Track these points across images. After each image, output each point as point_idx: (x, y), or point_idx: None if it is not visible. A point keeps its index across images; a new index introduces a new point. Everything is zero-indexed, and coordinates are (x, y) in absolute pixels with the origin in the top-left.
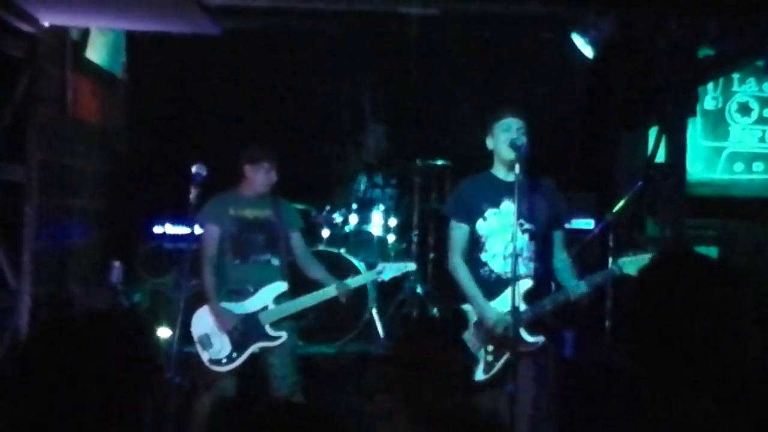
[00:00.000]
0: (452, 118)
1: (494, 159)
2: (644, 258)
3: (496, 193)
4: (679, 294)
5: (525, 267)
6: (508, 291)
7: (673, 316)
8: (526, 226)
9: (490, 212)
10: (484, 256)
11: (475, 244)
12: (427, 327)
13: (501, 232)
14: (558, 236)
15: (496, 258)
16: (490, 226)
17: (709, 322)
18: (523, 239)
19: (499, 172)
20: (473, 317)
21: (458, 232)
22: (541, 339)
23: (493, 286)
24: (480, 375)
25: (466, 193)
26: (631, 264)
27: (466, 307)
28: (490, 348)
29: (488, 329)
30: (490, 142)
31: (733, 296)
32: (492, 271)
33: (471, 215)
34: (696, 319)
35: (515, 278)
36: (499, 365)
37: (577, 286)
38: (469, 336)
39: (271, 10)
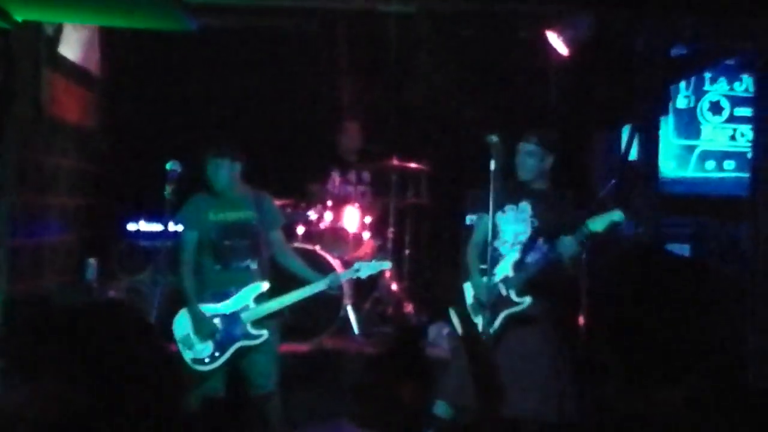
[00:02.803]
0: (429, 115)
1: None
2: (610, 215)
3: (518, 194)
4: (650, 287)
5: (519, 251)
6: (500, 264)
7: (644, 309)
8: (536, 223)
9: (508, 207)
10: (496, 243)
11: (492, 233)
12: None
13: (511, 224)
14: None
15: (506, 245)
16: (506, 219)
17: (679, 315)
18: (529, 233)
19: (521, 177)
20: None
21: (482, 222)
22: (527, 300)
23: (495, 263)
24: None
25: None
26: (599, 222)
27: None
28: (487, 312)
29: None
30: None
31: (702, 291)
32: (501, 255)
33: (494, 208)
34: (666, 313)
35: (490, 274)
36: (496, 324)
37: (561, 243)
38: (470, 307)
39: (249, 7)
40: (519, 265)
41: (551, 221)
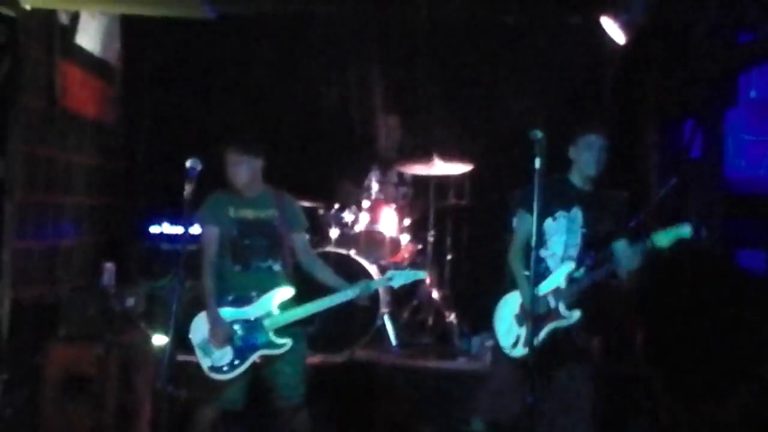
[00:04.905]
0: (472, 106)
1: (573, 166)
2: (678, 230)
3: (570, 198)
4: (691, 298)
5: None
6: (551, 277)
7: (694, 321)
8: (588, 233)
9: (560, 214)
10: (543, 253)
11: (539, 240)
12: None
13: (563, 234)
14: (619, 246)
15: (554, 258)
16: (557, 227)
17: (724, 324)
18: (581, 244)
19: (576, 179)
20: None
21: (525, 222)
22: (576, 314)
23: (543, 277)
24: (519, 350)
25: (539, 190)
26: (664, 236)
27: (515, 293)
28: (531, 323)
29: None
30: (572, 152)
31: (748, 295)
32: (548, 269)
33: (541, 211)
34: (710, 323)
35: (534, 283)
36: (540, 336)
37: (623, 255)
38: (512, 317)
39: None
40: (573, 277)
41: (604, 230)
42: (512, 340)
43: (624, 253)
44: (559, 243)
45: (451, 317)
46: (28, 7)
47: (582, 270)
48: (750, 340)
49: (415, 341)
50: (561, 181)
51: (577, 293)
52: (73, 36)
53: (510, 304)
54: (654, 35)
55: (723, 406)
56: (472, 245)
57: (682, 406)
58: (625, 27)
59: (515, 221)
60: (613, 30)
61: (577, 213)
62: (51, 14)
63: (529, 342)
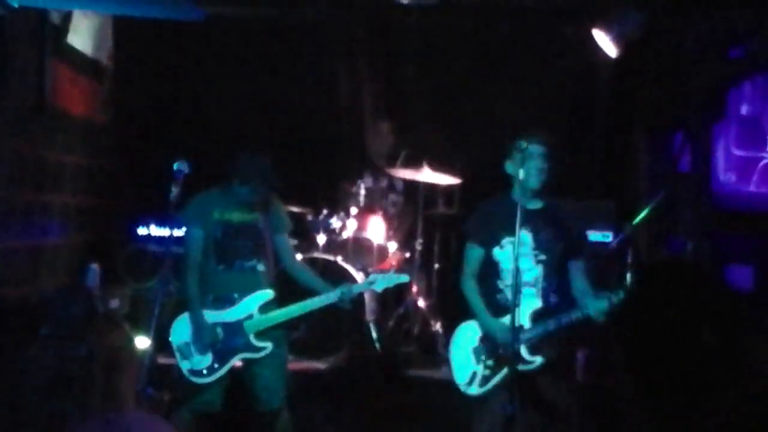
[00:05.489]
0: (462, 114)
1: (513, 182)
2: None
3: (514, 221)
4: (670, 310)
5: (536, 296)
6: (516, 310)
7: (665, 336)
8: (541, 256)
9: (506, 240)
10: (500, 284)
11: (492, 270)
12: None
13: (513, 262)
14: (574, 266)
15: (510, 288)
16: (506, 255)
17: (703, 340)
18: (536, 269)
19: (519, 197)
20: (479, 332)
21: (473, 253)
22: (539, 360)
23: (505, 309)
24: (475, 389)
25: (485, 217)
26: (597, 303)
27: (472, 322)
28: (490, 363)
29: (492, 344)
30: (509, 167)
31: (730, 308)
32: (507, 299)
33: (488, 240)
34: (689, 338)
35: (515, 300)
36: (494, 380)
37: (592, 307)
38: (469, 350)
39: None
40: (538, 316)
41: (558, 251)
42: (467, 378)
43: (593, 305)
44: (512, 272)
45: (437, 326)
46: (16, 5)
47: (545, 304)
48: (731, 357)
49: (400, 350)
50: (503, 204)
51: (542, 337)
52: (65, 35)
53: (466, 335)
54: (645, 48)
55: (701, 424)
56: (460, 254)
57: (659, 423)
58: (617, 40)
59: (466, 250)
60: (605, 43)
61: (525, 237)
62: (42, 13)
63: (510, 353)
